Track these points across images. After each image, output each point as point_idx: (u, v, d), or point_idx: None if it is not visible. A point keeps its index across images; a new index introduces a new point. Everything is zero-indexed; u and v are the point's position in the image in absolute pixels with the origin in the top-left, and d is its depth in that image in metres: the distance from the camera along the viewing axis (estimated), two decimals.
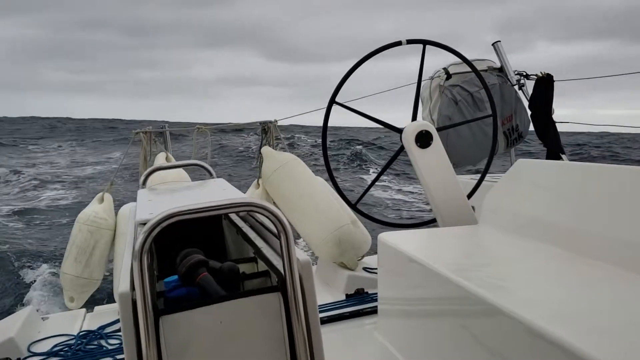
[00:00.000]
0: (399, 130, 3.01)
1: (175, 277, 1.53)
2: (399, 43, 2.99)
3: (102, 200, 3.58)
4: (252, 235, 1.84)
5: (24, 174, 19.34)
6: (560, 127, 3.91)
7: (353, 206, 3.15)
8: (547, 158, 3.88)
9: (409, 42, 2.99)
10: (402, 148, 3.05)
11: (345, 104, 3.09)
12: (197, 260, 1.51)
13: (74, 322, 3.10)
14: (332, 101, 3.04)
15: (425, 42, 2.99)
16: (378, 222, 3.46)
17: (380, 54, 3.00)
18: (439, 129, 2.99)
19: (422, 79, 3.11)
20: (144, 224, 1.27)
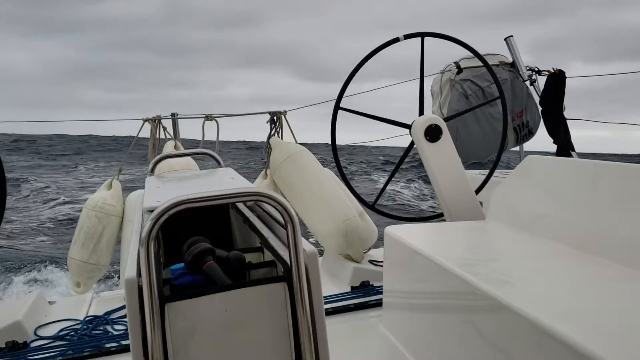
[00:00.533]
0: (408, 126, 3.00)
1: (182, 264, 1.54)
2: (396, 40, 2.98)
3: (110, 186, 3.60)
4: (258, 225, 1.84)
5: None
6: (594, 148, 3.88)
7: (371, 207, 3.16)
8: (557, 155, 3.85)
9: (407, 37, 2.98)
10: (412, 144, 3.04)
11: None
12: (204, 249, 1.51)
13: (81, 307, 3.13)
14: (337, 107, 3.06)
15: (423, 35, 2.97)
16: (390, 217, 3.46)
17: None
18: (446, 119, 2.98)
19: (434, 72, 3.10)
20: (152, 211, 1.27)
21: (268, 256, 1.72)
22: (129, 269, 1.34)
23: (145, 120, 3.99)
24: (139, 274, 1.29)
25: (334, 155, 3.17)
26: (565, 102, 3.92)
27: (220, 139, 4.02)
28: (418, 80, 3.09)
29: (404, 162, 3.20)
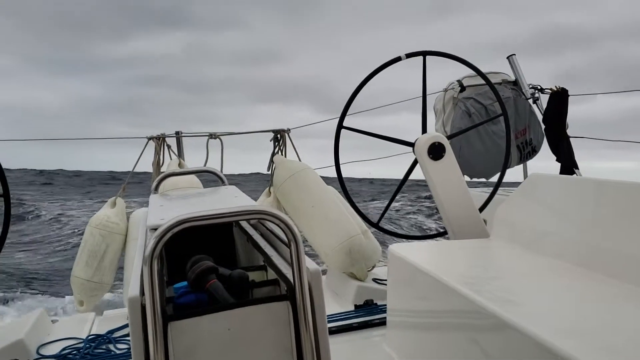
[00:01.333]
0: (411, 144, 3.01)
1: (185, 283, 1.54)
2: (398, 59, 3.01)
3: (114, 204, 3.60)
4: (262, 243, 1.84)
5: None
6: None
7: (376, 225, 3.16)
8: (561, 173, 3.85)
9: (409, 56, 3.01)
10: (415, 162, 3.05)
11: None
12: (207, 267, 1.51)
13: (83, 325, 3.12)
14: (340, 125, 3.07)
15: (425, 54, 2.99)
16: (393, 235, 3.46)
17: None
18: (449, 137, 2.99)
19: (437, 91, 3.12)
20: (155, 229, 1.28)
21: (271, 274, 1.72)
22: (132, 287, 1.34)
23: (149, 139, 4.00)
24: (142, 293, 1.29)
25: (338, 174, 3.18)
26: (569, 121, 3.93)
27: (238, 172, 4.05)
28: (421, 99, 3.11)
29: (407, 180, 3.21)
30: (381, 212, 3.33)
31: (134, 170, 3.96)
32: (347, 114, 3.11)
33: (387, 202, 3.31)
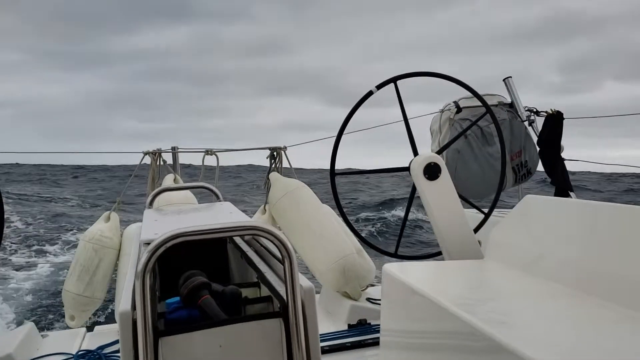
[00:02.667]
0: (406, 168, 3.02)
1: (177, 298, 1.53)
2: (370, 93, 3.03)
3: (108, 219, 3.58)
4: (256, 259, 1.84)
5: None
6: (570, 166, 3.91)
7: (394, 255, 3.17)
8: (556, 195, 3.86)
9: (379, 87, 3.02)
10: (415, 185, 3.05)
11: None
12: (200, 283, 1.50)
13: (74, 340, 3.08)
14: (333, 174, 3.10)
15: (395, 79, 3.01)
16: (389, 255, 3.45)
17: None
18: (439, 151, 3.01)
19: (433, 112, 3.13)
20: (149, 243, 1.27)
21: (265, 291, 1.71)
22: (123, 302, 1.33)
23: (145, 153, 4.01)
24: (133, 307, 1.28)
25: (334, 197, 3.18)
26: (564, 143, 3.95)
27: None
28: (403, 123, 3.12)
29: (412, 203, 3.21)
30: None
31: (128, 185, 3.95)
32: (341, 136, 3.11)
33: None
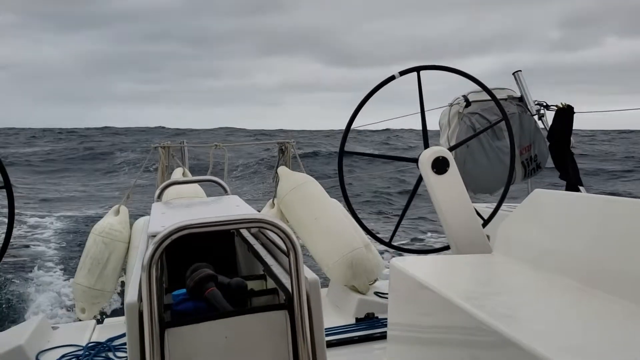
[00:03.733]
0: (415, 160, 3.01)
1: (184, 290, 1.54)
2: (392, 78, 3.00)
3: (117, 212, 3.61)
4: (262, 252, 1.84)
5: None
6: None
7: (389, 244, 3.15)
8: (566, 189, 3.83)
9: (402, 73, 3.00)
10: (421, 177, 3.04)
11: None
12: (206, 275, 1.51)
13: (84, 333, 3.11)
14: (342, 152, 3.07)
15: (419, 69, 2.99)
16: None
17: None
18: (451, 149, 2.99)
19: (442, 105, 3.10)
20: (155, 235, 1.28)
21: (271, 284, 1.71)
22: (130, 294, 1.34)
23: (155, 147, 4.03)
24: (140, 299, 1.29)
25: (342, 189, 3.17)
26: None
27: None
28: (420, 115, 3.10)
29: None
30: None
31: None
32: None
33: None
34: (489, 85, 3.26)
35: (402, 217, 3.27)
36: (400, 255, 3.02)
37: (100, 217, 3.70)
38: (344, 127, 3.12)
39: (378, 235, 3.27)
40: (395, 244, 3.24)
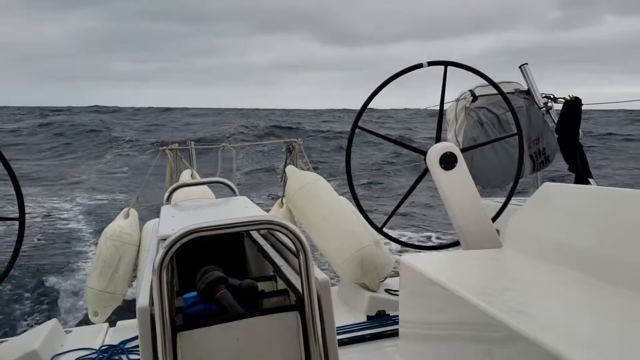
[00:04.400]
0: (423, 153, 3.00)
1: (195, 293, 1.54)
2: (419, 65, 2.98)
3: (127, 215, 3.63)
4: (272, 253, 1.85)
5: None
6: None
7: (379, 230, 3.14)
8: (575, 182, 3.81)
9: (431, 64, 2.98)
10: (426, 170, 3.03)
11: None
12: (216, 277, 1.51)
13: (97, 336, 3.13)
14: (355, 126, 3.04)
15: (447, 64, 2.98)
16: (403, 245, 3.43)
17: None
18: (463, 150, 2.97)
19: (449, 100, 3.09)
20: (165, 239, 1.28)
21: (281, 285, 1.71)
22: (141, 298, 1.34)
23: (163, 149, 4.05)
24: (151, 303, 1.29)
25: (349, 182, 3.17)
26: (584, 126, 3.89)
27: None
28: (438, 108, 3.08)
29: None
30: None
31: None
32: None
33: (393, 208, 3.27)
34: (496, 79, 3.25)
35: (398, 205, 3.24)
36: (407, 251, 3.01)
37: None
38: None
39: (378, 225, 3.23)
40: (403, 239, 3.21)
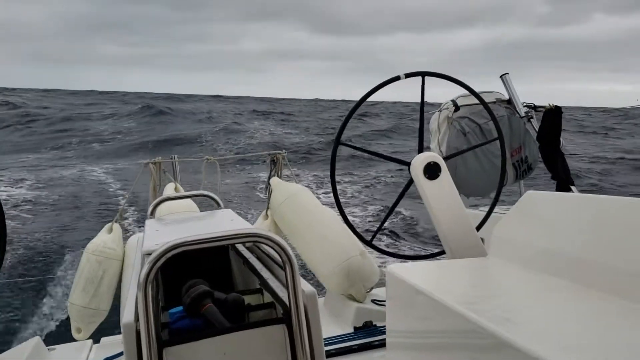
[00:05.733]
0: (407, 164, 3.02)
1: (180, 308, 1.53)
2: (397, 78, 3.01)
3: (110, 230, 3.59)
4: (258, 266, 1.84)
5: None
6: None
7: (369, 243, 3.14)
8: (557, 190, 3.86)
9: (408, 75, 3.01)
10: (411, 180, 3.05)
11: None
12: (202, 292, 1.50)
13: (80, 353, 3.08)
14: (338, 142, 3.06)
15: (424, 74, 3.01)
16: (390, 255, 3.44)
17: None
18: (446, 158, 3.00)
19: (432, 111, 3.12)
20: (150, 254, 1.27)
21: (268, 297, 1.71)
22: (126, 313, 1.33)
23: (146, 164, 4.02)
24: (136, 318, 1.28)
25: (333, 191, 3.17)
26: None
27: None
28: (418, 119, 3.11)
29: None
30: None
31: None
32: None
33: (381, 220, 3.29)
34: (477, 89, 3.29)
35: (386, 217, 3.26)
36: (395, 261, 3.01)
37: None
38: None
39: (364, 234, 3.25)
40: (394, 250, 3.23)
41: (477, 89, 3.26)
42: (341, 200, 3.22)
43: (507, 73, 4.22)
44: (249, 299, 1.73)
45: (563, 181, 3.84)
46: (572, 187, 3.82)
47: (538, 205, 2.41)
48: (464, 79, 3.74)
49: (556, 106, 3.92)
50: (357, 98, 3.02)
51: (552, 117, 3.90)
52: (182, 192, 3.66)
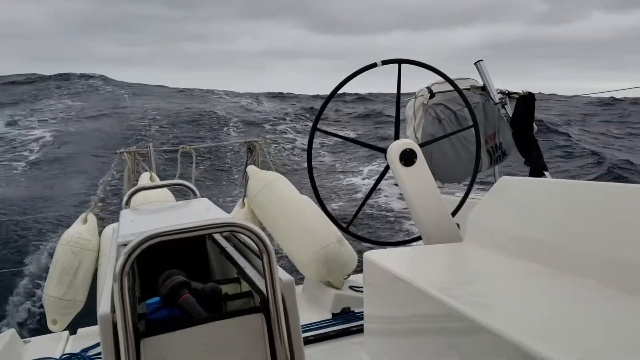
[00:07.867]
0: (383, 150, 3.03)
1: (157, 298, 1.52)
2: (374, 65, 3.02)
3: (85, 220, 3.55)
4: (235, 255, 1.83)
5: None
6: None
7: (345, 229, 3.15)
8: (531, 175, 3.91)
9: (385, 62, 3.02)
10: (387, 167, 3.07)
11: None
12: (179, 282, 1.50)
13: (57, 345, 3.05)
14: (314, 128, 3.06)
15: (400, 62, 3.02)
16: (367, 242, 3.46)
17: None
18: (421, 145, 3.02)
19: (407, 98, 3.13)
20: (125, 245, 1.26)
21: (245, 287, 1.71)
22: (103, 305, 1.32)
23: (121, 153, 3.97)
24: (113, 310, 1.27)
25: (310, 179, 3.17)
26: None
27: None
28: (394, 106, 3.13)
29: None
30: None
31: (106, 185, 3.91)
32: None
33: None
34: (453, 76, 3.31)
35: (362, 204, 3.28)
36: (371, 248, 3.04)
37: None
38: (328, 93, 3.11)
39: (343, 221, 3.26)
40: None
41: (451, 77, 3.28)
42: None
43: (482, 60, 4.25)
44: (226, 289, 1.73)
45: (536, 166, 3.90)
46: (545, 172, 3.88)
47: (512, 191, 2.44)
48: (462, 77, 3.78)
49: (529, 92, 3.97)
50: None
51: (526, 103, 3.95)
52: (158, 182, 3.63)
